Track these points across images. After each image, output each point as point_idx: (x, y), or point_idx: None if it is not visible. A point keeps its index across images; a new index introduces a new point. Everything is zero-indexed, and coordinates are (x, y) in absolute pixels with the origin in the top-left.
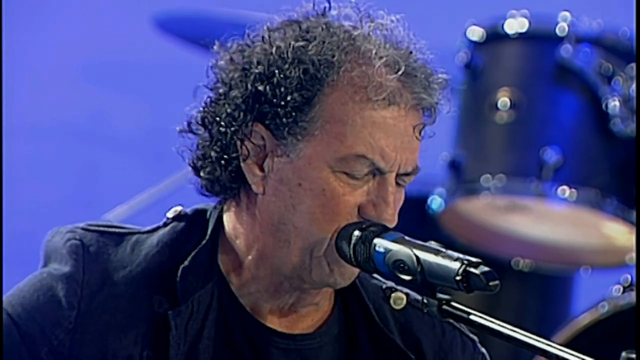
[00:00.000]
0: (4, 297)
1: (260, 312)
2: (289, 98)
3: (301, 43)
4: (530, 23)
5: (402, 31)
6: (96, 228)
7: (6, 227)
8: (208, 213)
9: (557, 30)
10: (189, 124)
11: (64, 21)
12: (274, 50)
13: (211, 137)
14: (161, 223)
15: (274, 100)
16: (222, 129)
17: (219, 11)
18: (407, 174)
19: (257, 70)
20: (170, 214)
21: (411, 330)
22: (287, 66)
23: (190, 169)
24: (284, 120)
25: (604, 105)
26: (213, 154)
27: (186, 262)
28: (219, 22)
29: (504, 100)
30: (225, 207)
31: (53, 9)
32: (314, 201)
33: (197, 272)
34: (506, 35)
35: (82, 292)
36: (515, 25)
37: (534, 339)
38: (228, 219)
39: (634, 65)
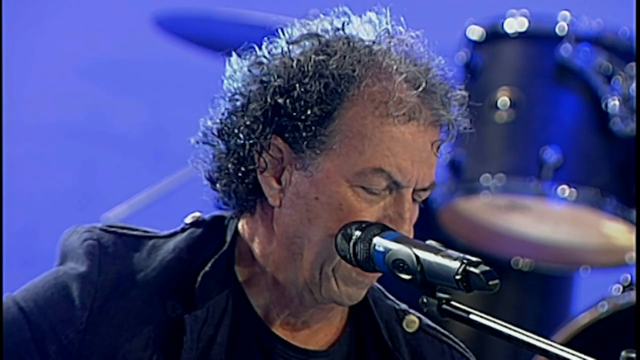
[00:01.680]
0: (18, 292)
1: (274, 324)
2: (309, 112)
3: (322, 57)
4: (529, 22)
5: (421, 47)
6: (114, 230)
7: (6, 227)
8: (226, 220)
9: (556, 30)
10: (205, 134)
11: (64, 21)
12: (294, 63)
13: (228, 149)
14: (179, 228)
15: (294, 114)
16: (240, 141)
17: (219, 11)
18: (423, 189)
19: (276, 84)
20: (188, 220)
21: (421, 354)
22: (307, 80)
23: (189, 171)
24: (303, 134)
25: (603, 105)
26: (230, 166)
27: (207, 268)
28: (219, 22)
29: (503, 99)
30: (242, 217)
31: (53, 9)
32: (331, 216)
33: (214, 279)
34: (506, 35)
35: (96, 293)
36: (515, 24)
37: (533, 339)
38: (244, 229)
39: (633, 64)
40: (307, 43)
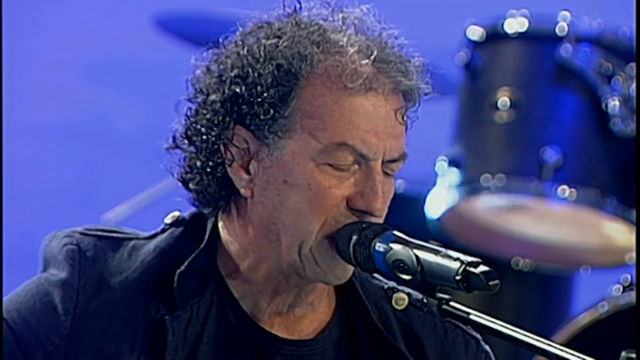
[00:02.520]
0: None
1: (261, 317)
2: (265, 95)
3: (273, 41)
4: (530, 22)
5: (373, 19)
6: (94, 233)
7: (6, 227)
8: (206, 218)
9: (556, 30)
10: (174, 138)
11: (64, 21)
12: (247, 51)
13: (196, 147)
14: (159, 229)
15: (251, 99)
16: (204, 137)
17: (219, 11)
18: (393, 161)
19: (232, 74)
20: (168, 220)
21: (413, 330)
22: (260, 65)
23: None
24: (263, 118)
25: (603, 105)
26: (199, 163)
27: (183, 267)
28: (219, 22)
29: (503, 99)
30: (220, 212)
31: (53, 9)
32: (300, 197)
33: (195, 277)
34: (506, 35)
35: (77, 297)
36: (515, 24)
37: (533, 339)
38: (223, 225)
39: (633, 64)
40: (260, 32)
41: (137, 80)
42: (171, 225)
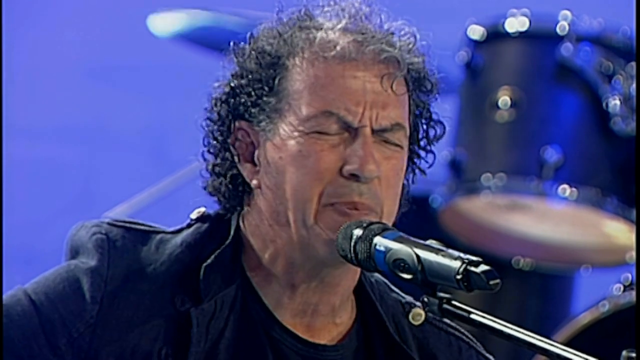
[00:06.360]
0: (29, 284)
1: (284, 316)
2: (250, 77)
3: (261, 33)
4: (530, 22)
5: (364, 8)
6: (122, 224)
7: (7, 226)
8: (230, 215)
9: (557, 29)
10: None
11: (64, 21)
12: (243, 49)
13: (209, 145)
14: (185, 224)
15: (242, 90)
16: (212, 131)
17: (219, 11)
18: (386, 130)
19: (235, 69)
20: (193, 215)
21: (428, 346)
22: (246, 56)
23: (189, 170)
24: (253, 103)
25: (604, 104)
26: (210, 156)
27: (209, 260)
28: (219, 22)
29: (504, 99)
30: (243, 209)
31: (53, 9)
32: (295, 165)
33: (220, 272)
34: (507, 34)
35: (105, 286)
36: (516, 24)
37: (534, 338)
38: (244, 222)
39: (634, 64)
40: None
41: (137, 80)
42: (197, 220)
